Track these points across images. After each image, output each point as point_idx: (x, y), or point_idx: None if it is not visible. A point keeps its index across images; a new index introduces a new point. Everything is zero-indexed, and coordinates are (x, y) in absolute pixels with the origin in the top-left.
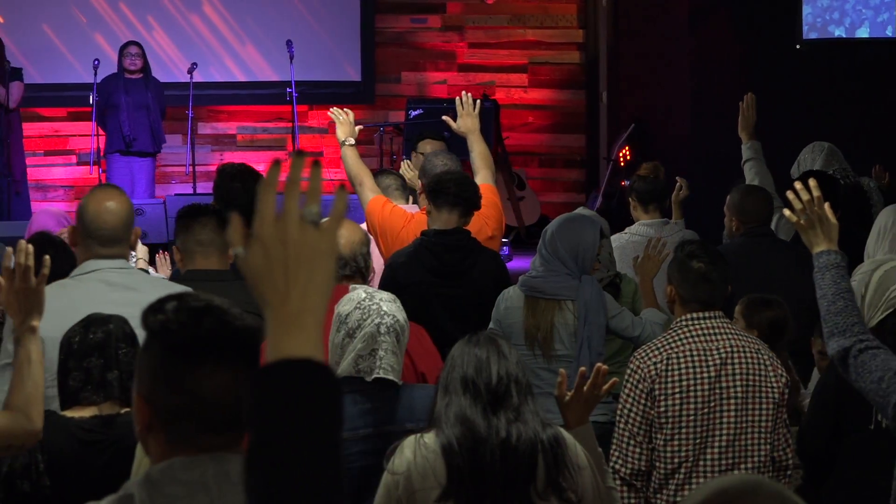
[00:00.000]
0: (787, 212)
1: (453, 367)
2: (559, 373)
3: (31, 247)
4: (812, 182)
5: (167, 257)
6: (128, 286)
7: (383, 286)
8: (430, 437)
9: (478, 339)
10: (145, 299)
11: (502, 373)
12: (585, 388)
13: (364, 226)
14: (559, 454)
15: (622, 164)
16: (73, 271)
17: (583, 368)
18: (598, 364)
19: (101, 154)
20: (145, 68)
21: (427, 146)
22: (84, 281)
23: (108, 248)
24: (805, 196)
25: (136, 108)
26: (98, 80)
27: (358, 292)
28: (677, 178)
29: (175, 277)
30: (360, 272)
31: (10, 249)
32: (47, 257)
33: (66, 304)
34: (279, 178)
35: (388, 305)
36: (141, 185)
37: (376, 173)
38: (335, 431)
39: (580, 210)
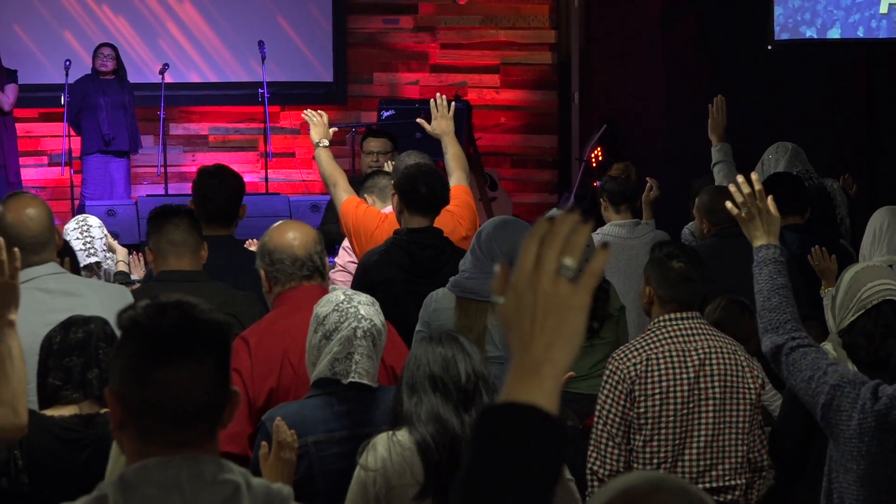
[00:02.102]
0: (728, 204)
1: (418, 366)
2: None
3: (2, 240)
4: (754, 175)
5: (140, 258)
6: (67, 292)
7: (356, 284)
8: (403, 435)
9: (440, 338)
10: (86, 304)
11: (469, 371)
12: None
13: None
14: None
15: (594, 164)
16: None
17: None
18: None
19: (76, 155)
20: (118, 70)
21: (370, 144)
22: (21, 291)
23: (37, 255)
24: (746, 189)
25: (114, 108)
26: (70, 81)
27: (337, 294)
28: (647, 178)
29: (148, 278)
30: (317, 271)
31: None
32: (17, 250)
33: None
34: (546, 233)
35: (366, 309)
36: (119, 185)
37: (372, 174)
38: (547, 477)
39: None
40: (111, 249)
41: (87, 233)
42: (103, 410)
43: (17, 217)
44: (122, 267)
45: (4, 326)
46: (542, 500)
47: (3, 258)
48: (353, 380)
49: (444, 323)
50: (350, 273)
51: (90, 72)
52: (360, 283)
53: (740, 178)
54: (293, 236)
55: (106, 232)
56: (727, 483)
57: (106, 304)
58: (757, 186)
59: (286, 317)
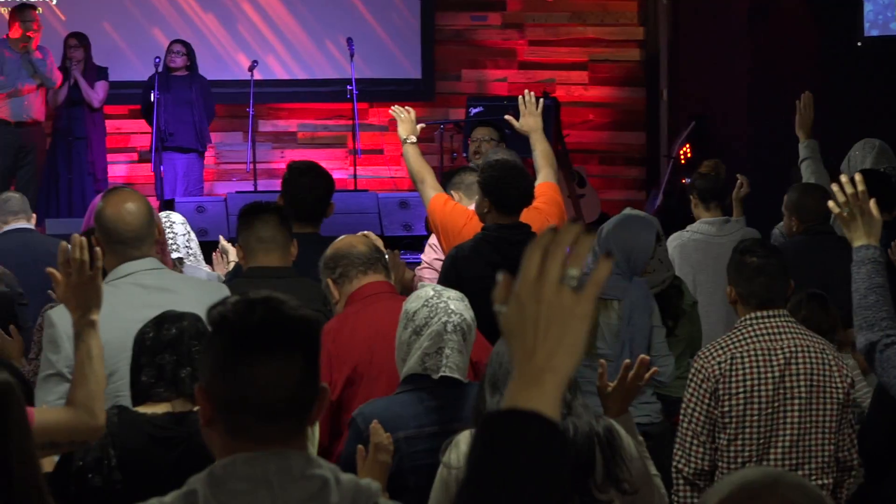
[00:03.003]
0: (830, 203)
1: (500, 363)
2: (599, 363)
3: (84, 240)
4: (858, 177)
5: (220, 255)
6: (163, 288)
7: (444, 277)
8: None
9: None
10: (182, 300)
11: None
12: (629, 378)
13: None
14: (615, 446)
15: (683, 161)
16: (108, 276)
17: (627, 361)
18: (641, 356)
19: (148, 150)
20: (191, 66)
21: (477, 132)
22: (119, 286)
23: (136, 249)
24: (850, 189)
25: (175, 104)
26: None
27: (426, 290)
28: (738, 175)
29: (237, 274)
30: (380, 262)
31: (64, 244)
32: (99, 250)
33: (106, 311)
34: (549, 242)
35: (456, 304)
36: (183, 181)
37: (458, 170)
38: (549, 483)
39: (628, 210)
40: (224, 251)
41: (169, 229)
42: (195, 408)
43: (116, 212)
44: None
45: (85, 326)
46: (541, 500)
47: (85, 258)
48: (443, 374)
49: None
50: (436, 270)
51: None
52: (449, 276)
53: (844, 178)
54: (350, 239)
55: (190, 229)
56: (814, 483)
57: (202, 300)
58: (860, 187)
59: (358, 311)
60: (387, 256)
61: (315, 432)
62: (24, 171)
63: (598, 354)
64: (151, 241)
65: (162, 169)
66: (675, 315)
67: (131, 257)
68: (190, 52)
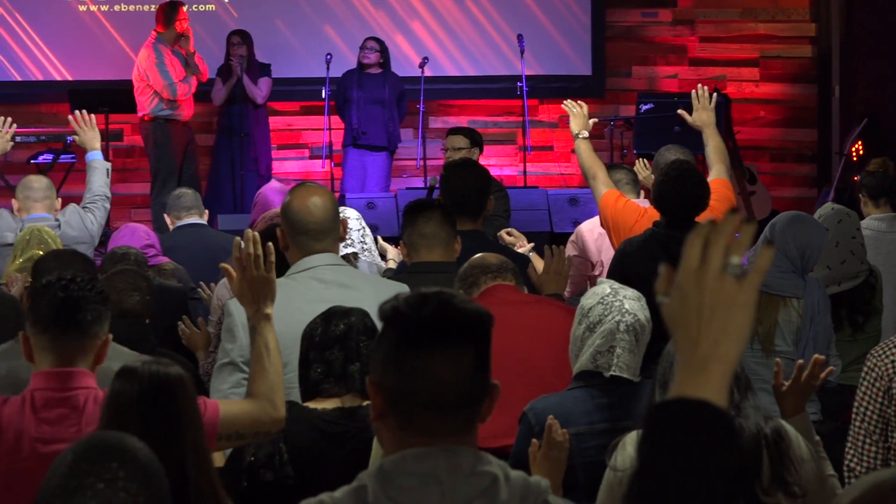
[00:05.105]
0: None
1: (671, 362)
2: (775, 363)
3: (257, 235)
4: None
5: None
6: (342, 284)
7: (611, 271)
8: None
9: None
10: (360, 296)
11: None
12: (803, 378)
13: (597, 219)
14: (783, 448)
15: (854, 158)
16: (290, 270)
17: (800, 361)
18: (816, 355)
19: (337, 148)
20: (384, 64)
21: (450, 141)
22: (299, 280)
23: (319, 243)
24: None
25: (367, 103)
26: (330, 75)
27: (603, 287)
28: None
29: (401, 269)
30: (510, 270)
31: (238, 239)
32: (270, 245)
33: (283, 303)
34: (710, 232)
35: (631, 304)
36: (372, 178)
37: (608, 167)
38: (718, 472)
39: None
40: (382, 252)
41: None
42: (365, 403)
43: (302, 204)
44: (391, 265)
45: (261, 320)
46: (713, 494)
47: (259, 252)
48: (614, 373)
49: None
50: None
51: (356, 65)
52: (615, 269)
53: None
54: (484, 254)
55: (364, 224)
56: None
57: (380, 297)
58: None
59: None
60: (555, 251)
61: None
62: (186, 167)
63: (778, 352)
64: (335, 237)
65: (347, 166)
66: (867, 312)
67: (313, 251)
68: (384, 50)
